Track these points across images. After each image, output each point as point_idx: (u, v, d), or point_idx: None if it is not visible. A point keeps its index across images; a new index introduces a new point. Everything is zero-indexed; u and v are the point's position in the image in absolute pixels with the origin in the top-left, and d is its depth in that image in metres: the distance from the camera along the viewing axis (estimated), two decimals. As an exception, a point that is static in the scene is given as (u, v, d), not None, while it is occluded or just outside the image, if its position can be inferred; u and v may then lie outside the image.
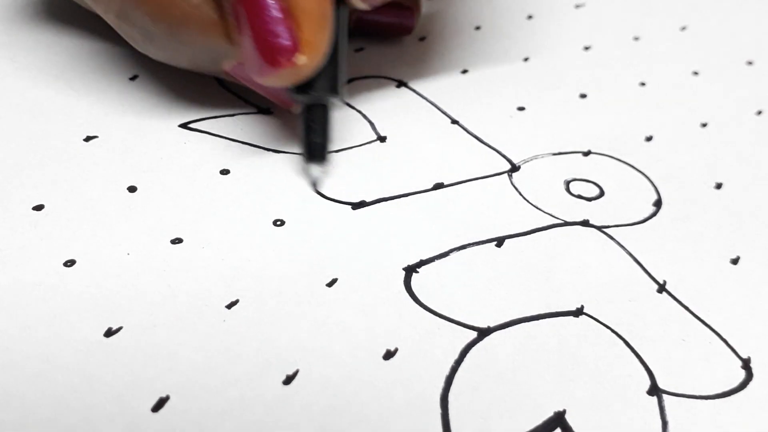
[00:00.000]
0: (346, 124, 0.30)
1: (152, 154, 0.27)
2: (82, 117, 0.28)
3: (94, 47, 0.31)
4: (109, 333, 0.21)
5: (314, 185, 0.27)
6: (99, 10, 0.28)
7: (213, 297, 0.23)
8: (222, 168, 0.27)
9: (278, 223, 0.25)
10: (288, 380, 0.21)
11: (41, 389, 0.20)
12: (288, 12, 0.24)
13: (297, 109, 0.27)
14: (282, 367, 0.21)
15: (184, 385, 0.20)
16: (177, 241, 0.24)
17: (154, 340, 0.21)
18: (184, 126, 0.28)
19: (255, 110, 0.29)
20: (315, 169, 0.27)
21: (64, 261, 0.23)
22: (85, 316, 0.22)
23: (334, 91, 0.26)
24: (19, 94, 0.29)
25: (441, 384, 0.21)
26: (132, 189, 0.26)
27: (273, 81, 0.25)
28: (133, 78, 0.30)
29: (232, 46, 0.26)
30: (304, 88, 0.25)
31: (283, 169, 0.27)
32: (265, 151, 0.28)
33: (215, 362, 0.21)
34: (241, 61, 0.26)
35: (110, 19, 0.28)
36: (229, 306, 0.22)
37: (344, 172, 0.27)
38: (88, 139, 0.27)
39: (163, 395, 0.20)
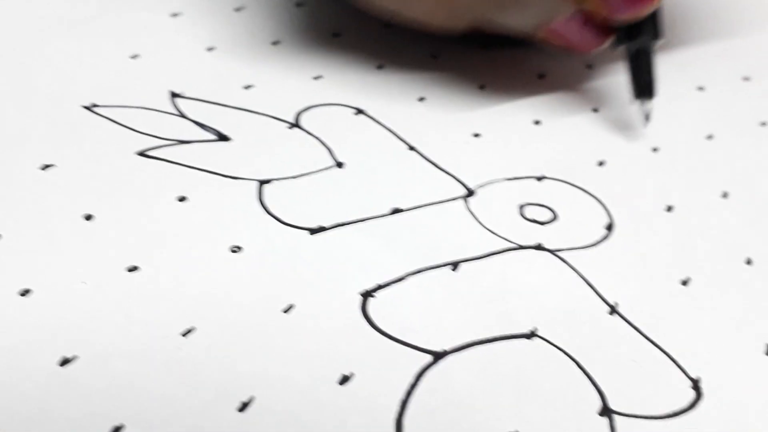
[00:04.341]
0: (304, 150, 0.30)
1: (109, 182, 0.27)
2: (38, 145, 0.28)
3: (48, 74, 0.31)
4: (65, 362, 0.21)
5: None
6: None
7: (169, 325, 0.23)
8: (179, 195, 0.27)
9: (235, 249, 0.25)
10: (243, 407, 0.21)
11: (-6, 420, 0.20)
12: None
13: (597, 50, 0.32)
14: (237, 394, 0.21)
15: (139, 414, 0.20)
16: (133, 269, 0.24)
17: (110, 370, 0.21)
18: (141, 154, 0.28)
19: (214, 137, 0.30)
20: (646, 104, 0.32)
21: (19, 291, 0.23)
22: (40, 345, 0.22)
23: (657, 35, 0.32)
24: (-25, 123, 0.29)
25: (396, 408, 0.21)
26: (88, 217, 0.26)
27: (628, 16, 0.30)
28: (89, 107, 0.30)
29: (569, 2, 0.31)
30: (630, 36, 0.31)
31: (240, 195, 0.27)
32: (223, 178, 0.28)
33: (170, 391, 0.21)
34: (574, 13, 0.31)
35: None
36: (185, 334, 0.23)
37: (302, 198, 0.28)
38: (44, 167, 0.27)
39: (118, 424, 0.20)
